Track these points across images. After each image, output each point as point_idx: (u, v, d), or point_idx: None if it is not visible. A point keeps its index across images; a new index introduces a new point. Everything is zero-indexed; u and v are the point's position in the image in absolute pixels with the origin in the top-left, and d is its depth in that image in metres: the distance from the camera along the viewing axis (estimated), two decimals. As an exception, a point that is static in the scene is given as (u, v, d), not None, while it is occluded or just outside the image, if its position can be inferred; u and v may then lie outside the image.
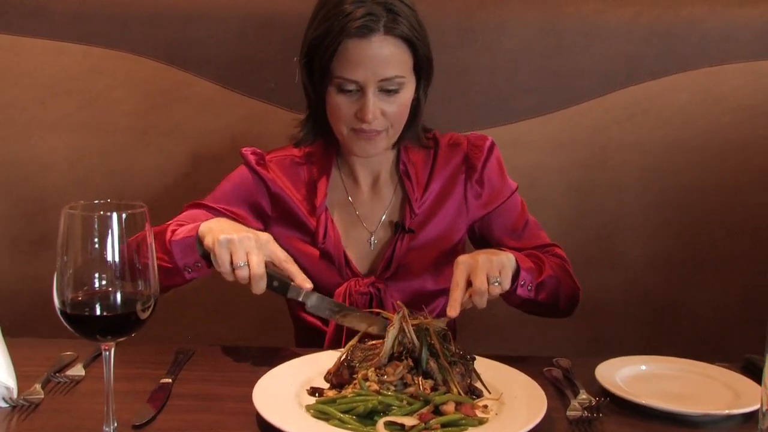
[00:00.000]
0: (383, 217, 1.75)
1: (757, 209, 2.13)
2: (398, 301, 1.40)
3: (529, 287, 1.55)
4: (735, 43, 2.07)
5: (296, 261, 1.53)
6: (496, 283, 1.42)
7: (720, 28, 2.07)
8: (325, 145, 1.75)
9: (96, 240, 1.02)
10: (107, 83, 2.08)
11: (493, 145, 1.74)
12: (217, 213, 1.68)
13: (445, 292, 1.52)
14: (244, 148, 1.76)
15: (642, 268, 2.18)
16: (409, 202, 1.72)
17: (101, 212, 1.03)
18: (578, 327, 2.14)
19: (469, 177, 1.73)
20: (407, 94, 1.61)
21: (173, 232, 1.53)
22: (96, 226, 1.02)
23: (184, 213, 1.69)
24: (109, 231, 1.02)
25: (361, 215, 1.75)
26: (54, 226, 2.04)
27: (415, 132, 1.71)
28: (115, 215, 1.02)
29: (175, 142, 2.11)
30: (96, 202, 1.07)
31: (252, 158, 1.74)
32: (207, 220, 1.53)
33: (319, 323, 1.72)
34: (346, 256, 1.70)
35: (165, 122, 2.10)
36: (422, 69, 1.63)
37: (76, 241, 1.03)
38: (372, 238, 1.74)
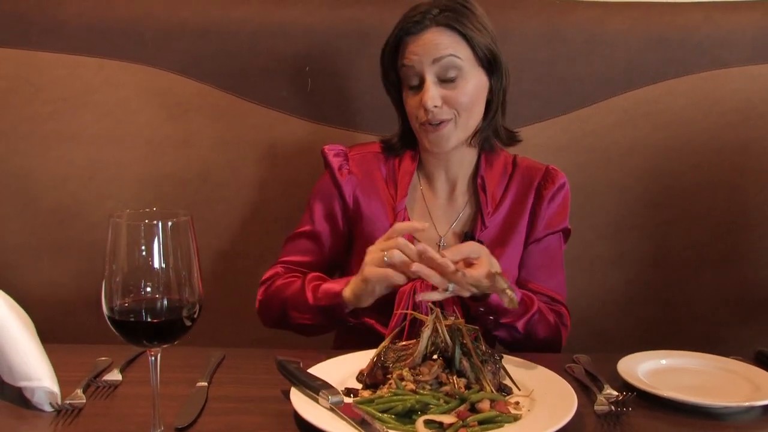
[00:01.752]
0: (454, 224, 1.80)
1: (754, 208, 2.18)
2: (430, 303, 1.44)
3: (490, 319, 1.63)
4: (730, 49, 2.12)
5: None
6: (450, 289, 1.48)
7: (715, 34, 2.12)
8: (409, 152, 1.83)
9: (143, 248, 1.05)
10: (123, 95, 2.10)
11: (565, 183, 1.81)
12: (315, 240, 1.81)
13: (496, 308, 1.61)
14: (327, 147, 1.84)
15: (644, 266, 2.21)
16: (481, 215, 1.77)
17: (146, 221, 1.05)
18: (583, 325, 2.19)
19: (536, 205, 1.79)
20: (471, 84, 1.67)
21: (314, 297, 1.65)
22: (142, 234, 1.05)
23: (287, 247, 1.84)
24: (155, 239, 1.04)
25: (435, 218, 1.80)
26: (74, 236, 2.10)
27: (492, 128, 1.77)
28: (160, 224, 1.05)
29: (191, 151, 2.13)
30: (141, 210, 1.09)
31: (335, 162, 1.81)
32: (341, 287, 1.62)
33: (372, 321, 1.74)
34: None
35: (180, 132, 2.13)
36: (489, 63, 1.70)
37: (122, 250, 1.05)
38: (441, 242, 1.78)
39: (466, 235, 1.76)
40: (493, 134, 1.79)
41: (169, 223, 1.06)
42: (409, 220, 1.77)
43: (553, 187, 1.79)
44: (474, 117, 1.72)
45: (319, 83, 2.12)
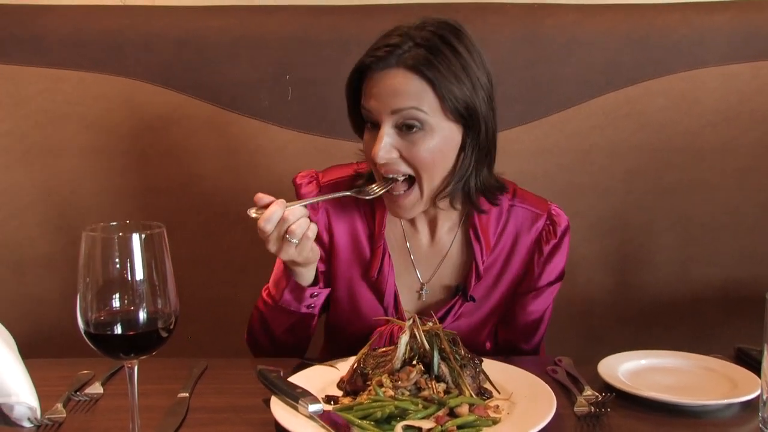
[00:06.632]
0: (439, 268, 1.64)
1: (735, 206, 2.19)
2: (407, 309, 1.44)
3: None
4: (707, 48, 2.13)
5: (346, 292, 1.63)
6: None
7: (692, 34, 2.13)
8: None
9: (117, 261, 1.05)
10: (104, 108, 2.11)
11: (567, 228, 1.64)
12: None
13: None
14: (299, 177, 1.66)
15: (628, 267, 2.23)
16: (475, 266, 1.60)
17: (120, 233, 1.05)
18: (569, 326, 2.20)
19: (535, 258, 1.63)
20: (436, 139, 1.45)
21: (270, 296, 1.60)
22: (116, 247, 1.05)
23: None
24: (129, 251, 1.04)
25: (416, 261, 1.64)
26: (57, 250, 2.10)
27: (464, 189, 1.53)
28: (135, 236, 1.04)
29: (173, 162, 2.13)
30: (114, 223, 1.09)
31: (307, 194, 1.62)
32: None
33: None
34: (396, 297, 1.62)
35: (162, 144, 2.13)
36: (462, 117, 1.47)
37: (97, 263, 1.04)
38: (424, 290, 1.64)
39: (458, 289, 1.62)
40: (466, 198, 1.55)
41: (143, 236, 1.05)
42: (390, 256, 1.61)
43: (554, 239, 1.62)
44: (438, 176, 1.49)
45: (300, 92, 2.12)
